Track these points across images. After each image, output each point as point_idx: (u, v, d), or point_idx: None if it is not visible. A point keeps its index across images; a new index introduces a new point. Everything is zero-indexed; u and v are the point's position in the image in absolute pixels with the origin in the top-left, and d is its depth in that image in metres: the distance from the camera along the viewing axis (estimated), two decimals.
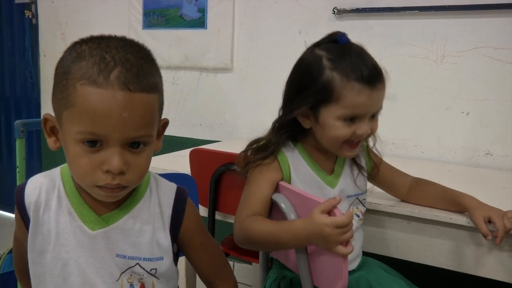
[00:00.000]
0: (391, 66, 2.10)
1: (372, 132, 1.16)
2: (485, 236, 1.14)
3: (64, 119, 0.80)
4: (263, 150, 1.19)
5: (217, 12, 2.53)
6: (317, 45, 1.16)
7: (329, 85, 1.09)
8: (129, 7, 2.79)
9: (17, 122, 1.73)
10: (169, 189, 0.95)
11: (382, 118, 2.16)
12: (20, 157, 1.73)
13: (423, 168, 1.88)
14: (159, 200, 0.93)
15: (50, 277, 0.88)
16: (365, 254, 1.29)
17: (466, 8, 1.96)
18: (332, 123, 1.11)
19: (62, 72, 0.80)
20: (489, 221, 1.16)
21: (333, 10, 2.20)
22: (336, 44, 1.13)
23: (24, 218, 0.89)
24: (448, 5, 1.99)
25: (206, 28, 2.57)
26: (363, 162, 1.27)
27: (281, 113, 1.21)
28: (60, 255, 0.87)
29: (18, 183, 1.74)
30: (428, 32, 2.05)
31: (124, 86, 0.76)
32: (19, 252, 0.96)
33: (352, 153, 1.17)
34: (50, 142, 0.86)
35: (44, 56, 3.19)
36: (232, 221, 1.49)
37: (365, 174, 1.27)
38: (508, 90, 1.92)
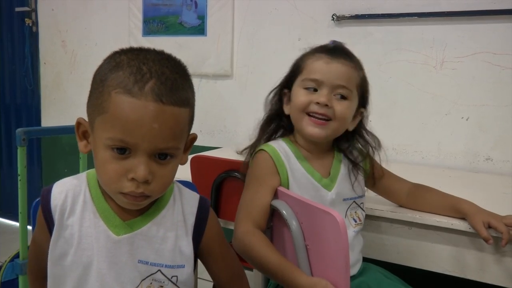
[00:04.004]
0: (390, 72, 2.13)
1: (337, 114, 1.17)
2: (486, 241, 1.15)
3: (97, 125, 0.83)
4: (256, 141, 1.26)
5: (216, 19, 2.54)
6: None
7: (299, 62, 1.24)
8: (129, 15, 2.80)
9: (19, 130, 1.73)
10: (193, 199, 0.96)
11: (382, 123, 2.17)
12: (22, 165, 1.73)
13: (423, 174, 1.88)
14: (182, 209, 0.94)
15: (69, 280, 0.89)
16: (366, 260, 1.29)
17: (465, 14, 1.96)
18: (296, 92, 1.21)
19: (99, 79, 0.83)
20: (489, 227, 1.16)
21: (332, 16, 2.21)
22: None
23: (48, 221, 0.90)
24: (447, 11, 1.99)
25: (206, 35, 2.58)
26: (358, 160, 1.28)
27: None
28: (81, 259, 0.88)
29: (19, 191, 1.73)
30: (427, 38, 2.05)
31: (157, 98, 0.79)
32: (37, 255, 0.97)
33: (315, 131, 1.18)
34: (81, 145, 0.88)
35: (44, 63, 3.19)
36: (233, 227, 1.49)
37: (362, 173, 1.28)
38: (507, 95, 1.93)
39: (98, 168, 0.85)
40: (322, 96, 1.17)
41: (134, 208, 0.87)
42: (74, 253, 0.88)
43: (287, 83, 1.25)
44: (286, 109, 1.26)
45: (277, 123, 1.28)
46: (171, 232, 0.91)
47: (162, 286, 0.90)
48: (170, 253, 0.91)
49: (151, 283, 0.89)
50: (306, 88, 1.19)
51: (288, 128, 1.27)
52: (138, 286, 0.88)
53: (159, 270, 0.89)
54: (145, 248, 0.89)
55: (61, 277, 0.89)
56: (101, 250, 0.87)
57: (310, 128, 1.19)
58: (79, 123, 0.88)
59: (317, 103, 1.16)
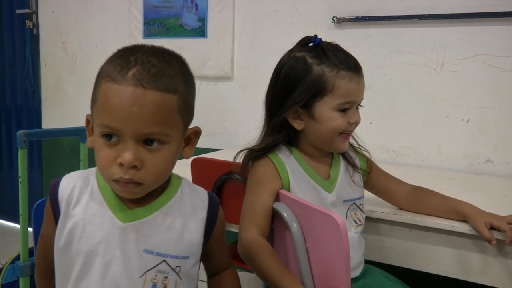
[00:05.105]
0: (390, 74, 2.13)
1: (357, 123, 1.20)
2: (489, 241, 1.15)
3: (93, 115, 0.87)
4: (259, 151, 1.21)
5: (217, 21, 2.55)
6: (292, 51, 1.23)
7: (321, 78, 1.14)
8: (129, 17, 2.80)
9: (20, 132, 1.73)
10: (202, 193, 0.99)
11: (383, 125, 2.17)
12: (22, 167, 1.73)
13: (423, 176, 1.88)
14: (192, 202, 0.96)
15: (75, 268, 0.89)
16: (366, 262, 1.29)
17: (466, 16, 1.97)
18: (329, 115, 1.15)
19: (98, 74, 0.87)
20: (491, 228, 1.17)
21: (332, 18, 2.21)
22: (311, 45, 1.20)
23: (55, 211, 0.91)
24: (447, 13, 2.00)
25: (206, 37, 2.58)
26: (357, 162, 1.29)
27: (265, 124, 1.25)
28: (85, 247, 0.88)
29: (20, 193, 1.74)
30: (427, 40, 2.06)
31: (137, 83, 0.81)
32: (44, 252, 0.97)
33: (346, 145, 1.22)
34: (88, 140, 0.91)
35: (45, 65, 3.19)
36: (234, 229, 1.49)
37: (360, 171, 1.29)
38: (507, 97, 1.93)
39: (95, 157, 0.87)
40: (355, 115, 1.18)
41: (130, 197, 0.88)
42: (78, 241, 0.89)
43: (307, 100, 1.16)
44: (297, 125, 1.19)
45: (283, 133, 1.22)
46: (178, 223, 0.93)
47: (166, 277, 0.91)
48: (176, 244, 0.92)
49: (156, 275, 0.90)
50: (340, 110, 1.16)
51: (293, 138, 1.23)
52: (142, 275, 0.89)
53: (164, 260, 0.90)
54: (151, 237, 0.90)
55: (67, 266, 0.90)
56: (106, 237, 0.88)
57: (343, 145, 1.21)
58: (87, 119, 0.91)
59: (354, 123, 1.18)
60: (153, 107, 0.81)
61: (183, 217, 0.94)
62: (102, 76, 0.84)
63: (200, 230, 0.95)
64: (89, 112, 0.90)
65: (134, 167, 0.82)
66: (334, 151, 1.24)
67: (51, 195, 0.92)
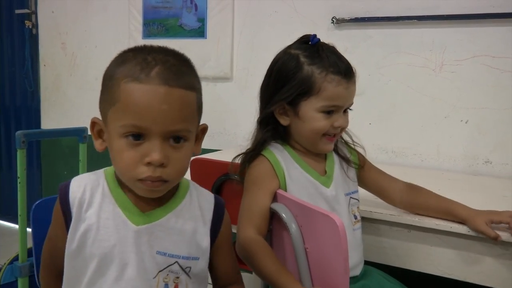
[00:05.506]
0: (390, 75, 2.13)
1: (344, 127, 1.22)
2: (495, 239, 1.15)
3: (110, 117, 0.86)
4: (252, 151, 1.23)
5: (216, 21, 2.55)
6: (289, 47, 1.23)
7: (309, 78, 1.15)
8: (129, 17, 2.80)
9: (18, 133, 1.73)
10: (209, 196, 1.00)
11: (382, 126, 2.17)
12: (21, 167, 1.73)
13: (422, 176, 1.88)
14: (199, 205, 0.97)
15: (88, 270, 0.89)
16: (366, 263, 1.29)
17: (465, 17, 1.97)
18: (312, 115, 1.17)
19: (108, 76, 0.87)
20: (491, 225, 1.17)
21: (332, 19, 2.21)
22: (308, 44, 1.20)
23: (66, 214, 0.91)
24: (447, 14, 2.00)
25: (206, 38, 2.58)
26: (348, 156, 1.30)
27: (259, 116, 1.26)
28: (99, 250, 0.88)
29: (19, 194, 1.73)
30: (426, 41, 2.06)
31: (164, 81, 0.82)
32: (51, 252, 0.97)
33: (330, 147, 1.22)
34: (97, 144, 0.91)
35: (44, 65, 3.19)
36: (233, 230, 1.49)
37: (353, 165, 1.30)
38: (506, 98, 1.93)
39: (114, 159, 0.87)
40: (340, 118, 1.18)
41: (152, 196, 0.89)
42: (91, 244, 0.89)
43: (294, 98, 1.18)
44: (283, 121, 1.22)
45: (271, 126, 1.24)
46: (189, 224, 0.94)
47: (178, 277, 0.92)
48: (187, 245, 0.93)
49: (167, 274, 0.91)
50: (325, 112, 1.17)
51: (283, 134, 1.25)
52: (155, 277, 0.90)
53: (177, 261, 0.91)
54: (164, 239, 0.91)
55: (78, 270, 0.90)
56: (120, 240, 0.88)
57: (326, 146, 1.22)
58: (94, 122, 0.91)
59: (339, 127, 1.19)
60: (179, 104, 0.84)
61: (193, 220, 0.95)
62: (120, 77, 0.84)
63: (208, 232, 0.96)
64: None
65: (161, 165, 0.84)
66: (317, 152, 1.24)
67: (61, 198, 0.91)
